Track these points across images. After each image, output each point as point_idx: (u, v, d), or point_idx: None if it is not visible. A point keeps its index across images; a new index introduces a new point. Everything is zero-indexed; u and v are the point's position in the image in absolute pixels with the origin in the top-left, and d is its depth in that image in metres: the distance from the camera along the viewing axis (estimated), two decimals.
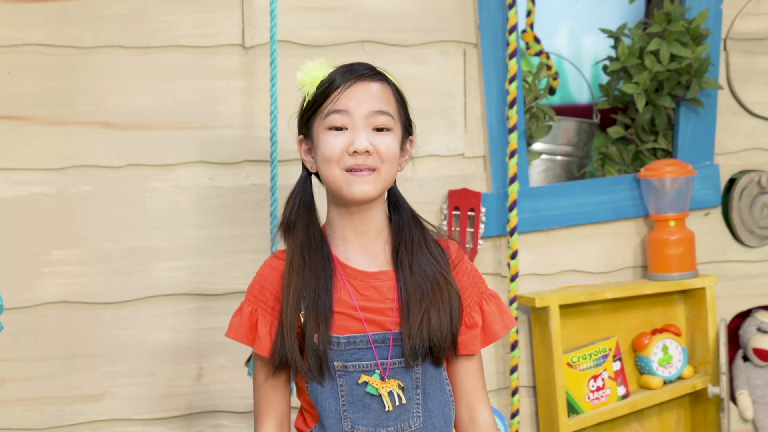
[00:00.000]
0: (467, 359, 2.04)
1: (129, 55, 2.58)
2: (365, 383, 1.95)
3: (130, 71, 2.58)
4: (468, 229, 2.87)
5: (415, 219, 2.06)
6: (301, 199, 2.04)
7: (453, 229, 2.87)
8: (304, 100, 2.05)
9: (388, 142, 1.97)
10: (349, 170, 1.96)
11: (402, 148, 2.04)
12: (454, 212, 2.87)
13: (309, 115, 2.02)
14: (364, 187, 1.96)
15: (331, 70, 2.03)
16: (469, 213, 2.87)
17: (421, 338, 1.95)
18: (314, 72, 2.04)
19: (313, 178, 2.09)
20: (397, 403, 1.96)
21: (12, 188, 2.51)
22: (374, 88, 1.99)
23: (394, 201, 2.07)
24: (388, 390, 1.95)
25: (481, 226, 2.87)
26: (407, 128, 2.05)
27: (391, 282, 2.00)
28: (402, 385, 1.96)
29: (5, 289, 2.35)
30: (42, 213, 2.53)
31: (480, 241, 2.88)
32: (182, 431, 2.66)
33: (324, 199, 2.09)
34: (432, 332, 1.96)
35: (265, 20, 2.62)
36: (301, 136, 2.06)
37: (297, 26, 2.72)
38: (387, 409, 1.95)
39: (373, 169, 1.96)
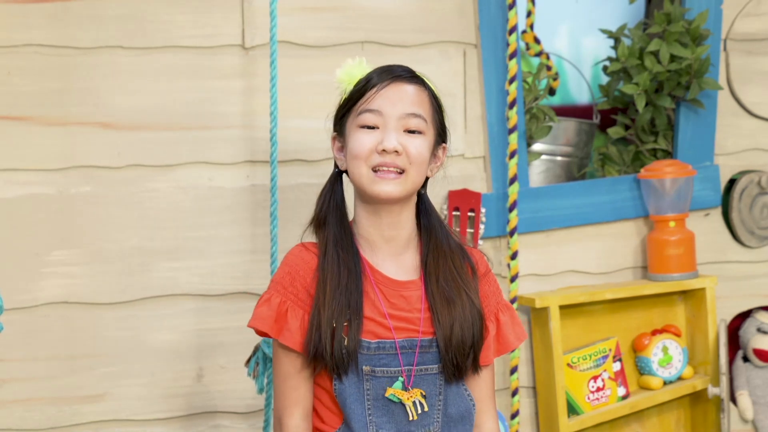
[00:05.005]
0: (480, 368, 2.05)
1: (129, 56, 2.58)
2: (386, 393, 1.95)
3: (130, 71, 2.58)
4: (468, 230, 2.86)
5: (443, 226, 2.07)
6: (332, 196, 2.04)
7: (452, 229, 2.87)
8: (342, 98, 2.05)
9: (418, 145, 1.97)
10: (376, 169, 1.96)
11: (434, 154, 2.04)
12: (454, 213, 2.86)
13: (344, 112, 2.02)
14: (388, 187, 1.96)
15: (369, 69, 2.03)
16: (469, 213, 2.87)
17: (451, 350, 1.96)
18: (353, 70, 2.04)
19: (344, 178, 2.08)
20: (420, 412, 1.96)
21: (12, 188, 2.51)
22: (410, 90, 1.99)
23: (423, 208, 2.07)
24: (412, 400, 1.96)
25: (481, 226, 2.87)
26: (441, 134, 2.05)
27: (418, 291, 2.00)
28: (424, 394, 1.97)
29: (5, 289, 2.35)
30: (42, 213, 2.53)
31: (480, 242, 2.87)
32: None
33: (353, 198, 2.07)
34: (456, 347, 1.97)
35: (265, 21, 2.62)
36: (335, 134, 2.05)
37: (297, 27, 2.72)
38: (411, 418, 1.96)
39: (401, 171, 1.96)
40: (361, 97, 1.99)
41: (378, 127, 1.96)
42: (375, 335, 1.95)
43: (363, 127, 1.97)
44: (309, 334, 1.95)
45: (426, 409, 1.96)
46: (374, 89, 1.98)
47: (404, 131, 1.97)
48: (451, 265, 2.02)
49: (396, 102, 1.97)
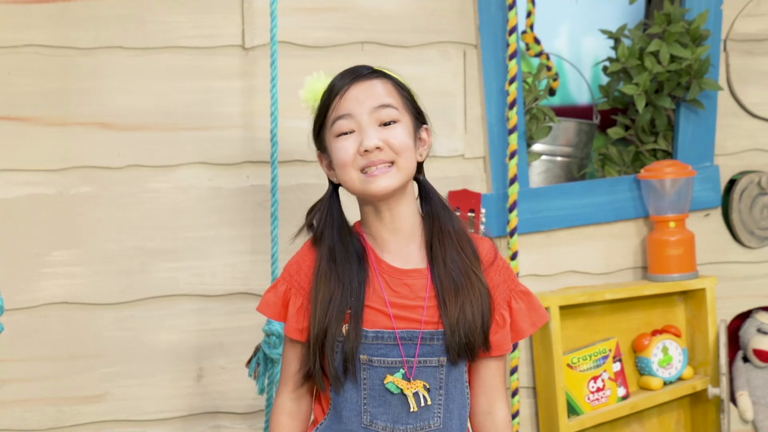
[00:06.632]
0: (495, 357, 2.05)
1: (129, 56, 2.58)
2: (384, 383, 1.95)
3: (130, 72, 2.58)
4: (468, 230, 2.86)
5: (447, 209, 2.06)
6: (328, 210, 2.04)
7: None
8: (314, 116, 2.05)
9: (397, 134, 1.97)
10: (364, 170, 1.96)
11: (418, 138, 2.03)
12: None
13: (319, 128, 2.02)
14: (383, 182, 1.95)
15: (330, 79, 2.03)
16: (469, 214, 2.87)
17: (459, 334, 1.96)
18: (314, 86, 2.05)
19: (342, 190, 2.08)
20: (422, 404, 1.96)
21: (12, 189, 2.51)
22: (372, 85, 1.99)
23: (425, 193, 2.06)
24: (414, 391, 1.96)
25: (481, 227, 2.87)
26: (418, 118, 2.04)
27: (423, 280, 1.99)
28: (428, 386, 1.97)
29: (5, 289, 2.35)
30: (42, 214, 2.53)
31: None
32: None
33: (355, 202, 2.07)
34: (467, 328, 1.96)
35: (265, 21, 2.62)
36: (319, 152, 2.06)
37: (297, 27, 2.72)
38: (412, 409, 1.95)
39: (391, 163, 1.96)
40: (329, 107, 1.99)
41: (354, 131, 1.97)
42: (373, 324, 1.95)
43: (340, 135, 1.97)
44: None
45: (429, 402, 1.96)
46: (338, 96, 1.98)
47: (380, 125, 1.97)
48: (458, 246, 2.01)
49: (363, 100, 1.97)
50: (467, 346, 1.97)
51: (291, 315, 2.00)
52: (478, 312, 1.98)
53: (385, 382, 1.95)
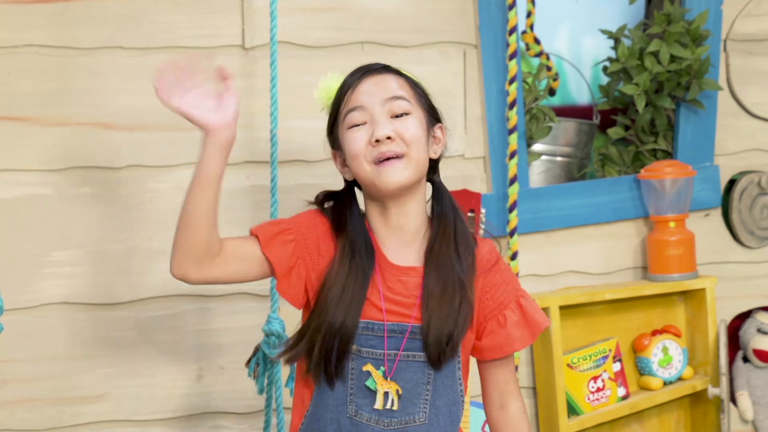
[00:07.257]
0: (501, 358, 2.06)
1: (129, 56, 2.58)
2: (368, 374, 1.95)
3: (130, 72, 2.58)
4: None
5: (457, 213, 2.05)
6: (347, 207, 2.03)
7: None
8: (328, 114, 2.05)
9: (409, 126, 1.97)
10: (377, 162, 1.95)
11: (432, 135, 2.03)
12: None
13: (332, 124, 2.03)
14: (395, 175, 1.95)
15: (343, 77, 2.03)
16: (469, 214, 2.86)
17: (437, 335, 1.95)
18: (328, 85, 2.05)
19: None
20: (388, 407, 1.96)
21: (12, 189, 2.51)
22: (384, 78, 2.00)
23: (438, 195, 2.06)
24: (385, 390, 1.96)
25: (482, 227, 2.87)
26: (431, 114, 2.04)
27: (418, 278, 1.99)
28: (401, 392, 1.96)
29: (5, 289, 2.35)
30: (42, 214, 2.53)
31: None
32: None
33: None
34: (435, 332, 1.95)
35: (265, 21, 2.62)
36: (334, 151, 2.05)
37: (297, 27, 2.72)
38: (376, 406, 1.95)
39: (401, 156, 1.96)
40: (341, 101, 1.99)
41: (366, 122, 1.96)
42: (365, 314, 1.95)
43: (352, 127, 1.97)
44: (297, 337, 1.97)
45: (395, 407, 1.95)
46: (350, 90, 1.98)
47: (391, 117, 1.97)
48: (453, 252, 2.00)
49: (374, 92, 1.97)
50: (437, 351, 1.96)
51: (279, 249, 1.96)
52: (451, 321, 1.96)
53: (364, 368, 1.94)
